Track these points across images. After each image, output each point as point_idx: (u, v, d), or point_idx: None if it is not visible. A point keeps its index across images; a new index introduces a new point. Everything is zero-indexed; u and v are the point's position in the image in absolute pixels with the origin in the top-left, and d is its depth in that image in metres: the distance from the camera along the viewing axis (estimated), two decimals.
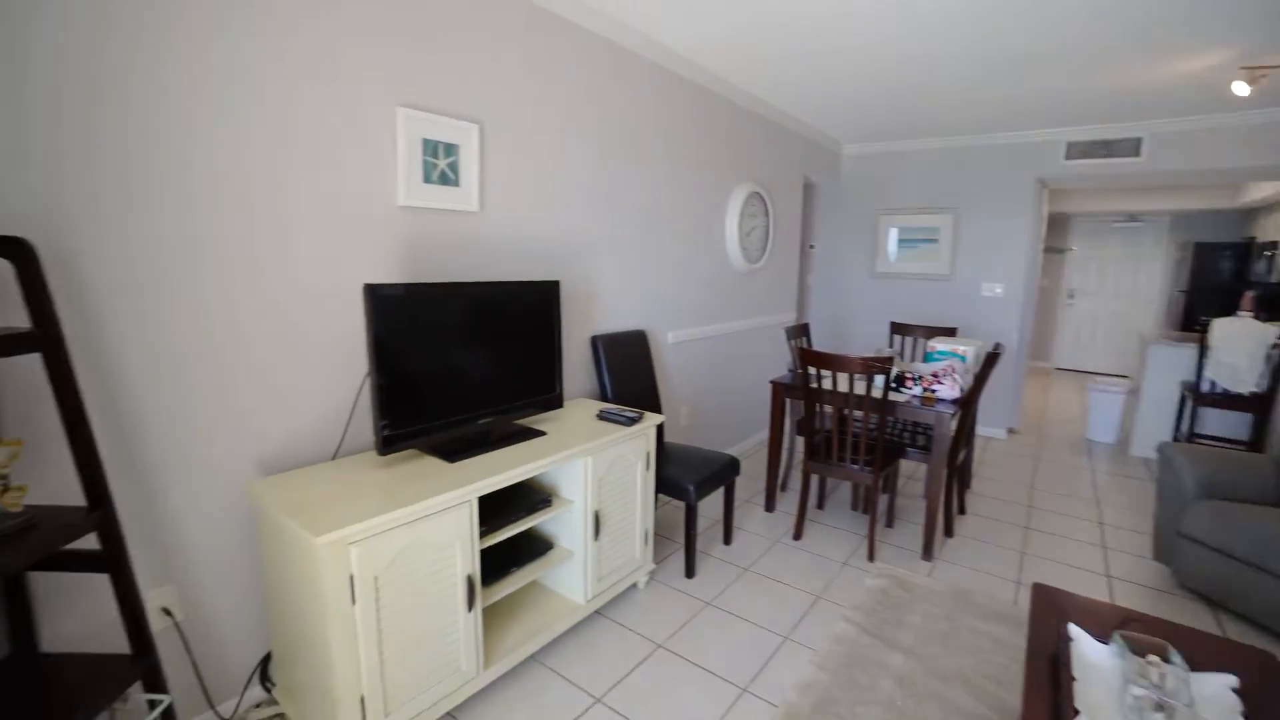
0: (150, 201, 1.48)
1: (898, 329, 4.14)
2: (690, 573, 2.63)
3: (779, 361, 4.69)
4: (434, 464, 1.83)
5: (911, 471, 4.06)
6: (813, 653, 2.16)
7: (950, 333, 3.92)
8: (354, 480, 1.68)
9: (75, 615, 1.45)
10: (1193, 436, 4.22)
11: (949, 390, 2.91)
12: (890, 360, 2.68)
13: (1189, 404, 4.23)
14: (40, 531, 1.16)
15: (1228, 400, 3.96)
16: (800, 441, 4.25)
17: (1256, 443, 3.98)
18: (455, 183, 2.14)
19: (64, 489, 1.40)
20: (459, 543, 1.68)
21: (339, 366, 1.90)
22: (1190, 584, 2.58)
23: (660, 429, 2.81)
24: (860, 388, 2.92)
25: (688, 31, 2.78)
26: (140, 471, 1.53)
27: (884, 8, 2.46)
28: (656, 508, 2.73)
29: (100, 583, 1.46)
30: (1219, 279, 7.02)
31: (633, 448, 2.30)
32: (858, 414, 2.96)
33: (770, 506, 3.35)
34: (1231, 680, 1.38)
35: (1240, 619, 2.46)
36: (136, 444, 1.51)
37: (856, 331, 5.55)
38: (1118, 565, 2.88)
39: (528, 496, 2.06)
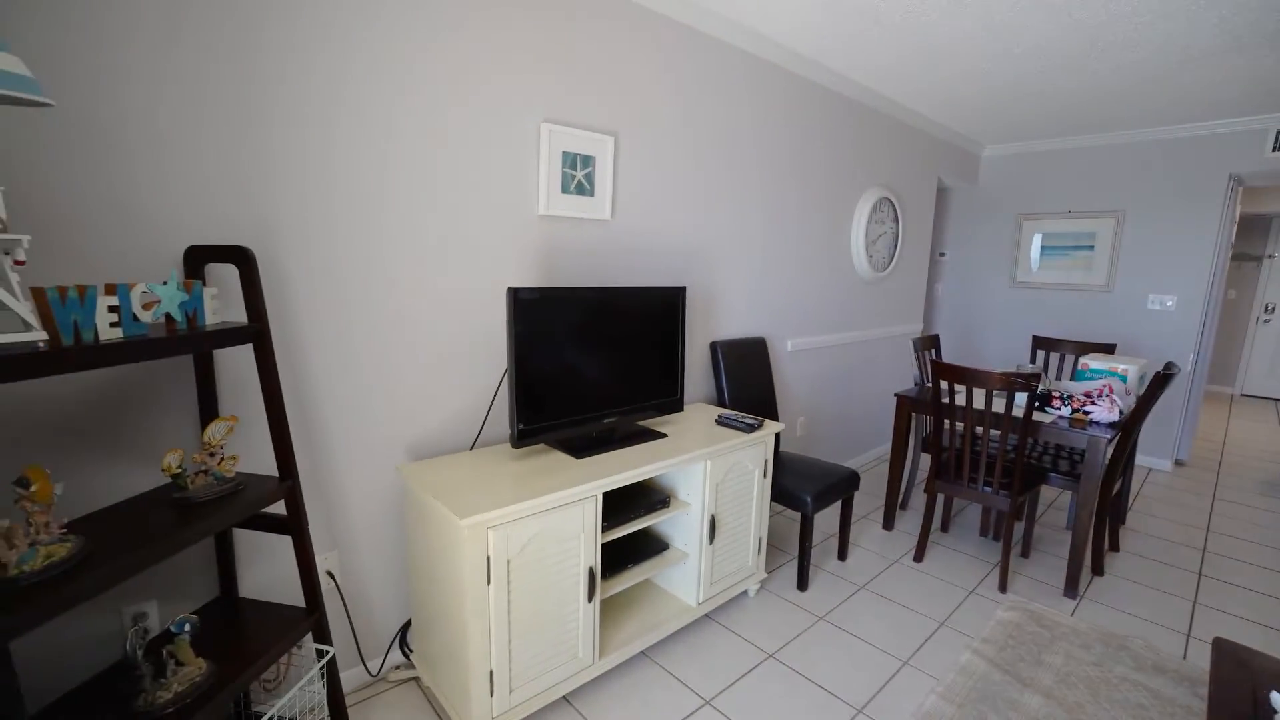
0: (345, 215, 1.69)
1: (1041, 344, 3.78)
2: (803, 585, 2.57)
3: (902, 374, 4.44)
4: (563, 459, 1.93)
5: (1053, 499, 3.69)
6: (935, 681, 2.03)
7: (1108, 350, 3.52)
8: (490, 470, 1.81)
9: (263, 569, 1.70)
10: None
11: (1105, 412, 2.62)
12: (1036, 377, 2.46)
13: None
14: (247, 495, 1.37)
15: None
16: (925, 459, 4.00)
17: None
18: (590, 192, 2.24)
19: (257, 461, 1.64)
20: (583, 535, 1.77)
21: (480, 364, 2.06)
22: None
23: (777, 438, 2.77)
24: (998, 405, 2.70)
25: (813, 30, 2.71)
26: (315, 450, 1.75)
27: None
28: (770, 517, 2.69)
29: (283, 544, 1.71)
30: None
31: (751, 454, 2.29)
32: (994, 433, 2.74)
33: (889, 525, 3.18)
34: None
35: None
36: (316, 426, 1.74)
37: (990, 345, 5.13)
38: None
39: (647, 496, 2.12)
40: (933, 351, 3.57)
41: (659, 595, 2.30)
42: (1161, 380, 2.67)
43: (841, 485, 2.62)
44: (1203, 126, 4.01)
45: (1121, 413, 2.64)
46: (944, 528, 3.22)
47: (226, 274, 1.51)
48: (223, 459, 1.37)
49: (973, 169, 4.91)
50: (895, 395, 3.11)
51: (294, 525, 1.50)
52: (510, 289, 1.77)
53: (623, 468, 1.87)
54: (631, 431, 2.18)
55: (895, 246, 4.02)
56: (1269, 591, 2.72)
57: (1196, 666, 2.15)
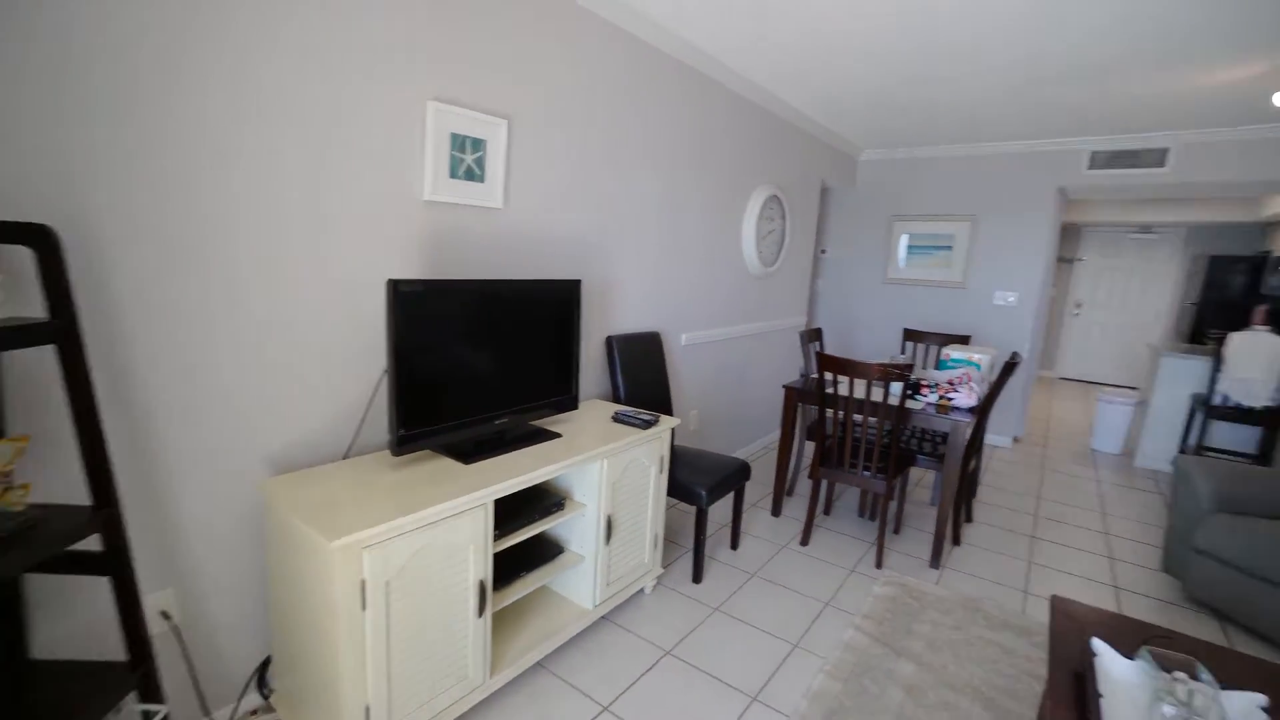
0: (181, 189, 1.43)
1: (911, 336, 4.10)
2: (698, 578, 2.60)
3: (789, 366, 4.64)
4: (449, 465, 1.78)
5: (919, 478, 4.03)
6: (822, 660, 2.13)
7: (964, 340, 3.88)
8: (367, 481, 1.64)
9: (69, 617, 1.41)
10: (1201, 449, 4.19)
11: (965, 399, 2.87)
12: (909, 367, 2.64)
13: (1199, 416, 4.20)
14: (42, 532, 1.12)
15: (1239, 414, 3.94)
16: (809, 447, 4.22)
17: (1264, 456, 3.96)
18: (481, 179, 2.09)
19: (71, 487, 1.35)
20: (473, 547, 1.64)
21: (357, 362, 1.85)
22: (1199, 597, 2.56)
23: (672, 433, 2.77)
24: (876, 394, 2.88)
25: (712, 27, 2.72)
26: (146, 468, 1.48)
27: (908, 7, 2.40)
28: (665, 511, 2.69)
29: (99, 584, 1.42)
30: (1231, 293, 6.97)
31: (647, 451, 2.26)
32: (871, 420, 2.93)
33: (777, 511, 3.31)
34: (1260, 699, 1.35)
35: (1250, 633, 2.44)
36: (144, 439, 1.47)
37: (865, 337, 5.51)
38: (1125, 576, 2.85)
39: (542, 499, 2.02)
40: (817, 344, 3.75)
41: (554, 601, 2.22)
42: (1009, 368, 2.97)
43: (734, 477, 2.67)
44: (1039, 144, 4.53)
45: (979, 398, 2.91)
46: (827, 510, 3.41)
47: (20, 258, 1.22)
48: (8, 489, 1.11)
49: (851, 171, 5.22)
50: (784, 387, 3.23)
51: (113, 562, 1.26)
52: (390, 281, 1.60)
53: (516, 472, 1.76)
54: (525, 433, 2.07)
55: (782, 242, 4.18)
56: (1085, 548, 3.14)
57: (1033, 619, 2.43)
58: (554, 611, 2.15)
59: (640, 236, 2.93)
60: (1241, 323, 6.69)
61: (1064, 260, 8.10)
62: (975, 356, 3.31)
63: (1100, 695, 1.32)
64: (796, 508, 3.42)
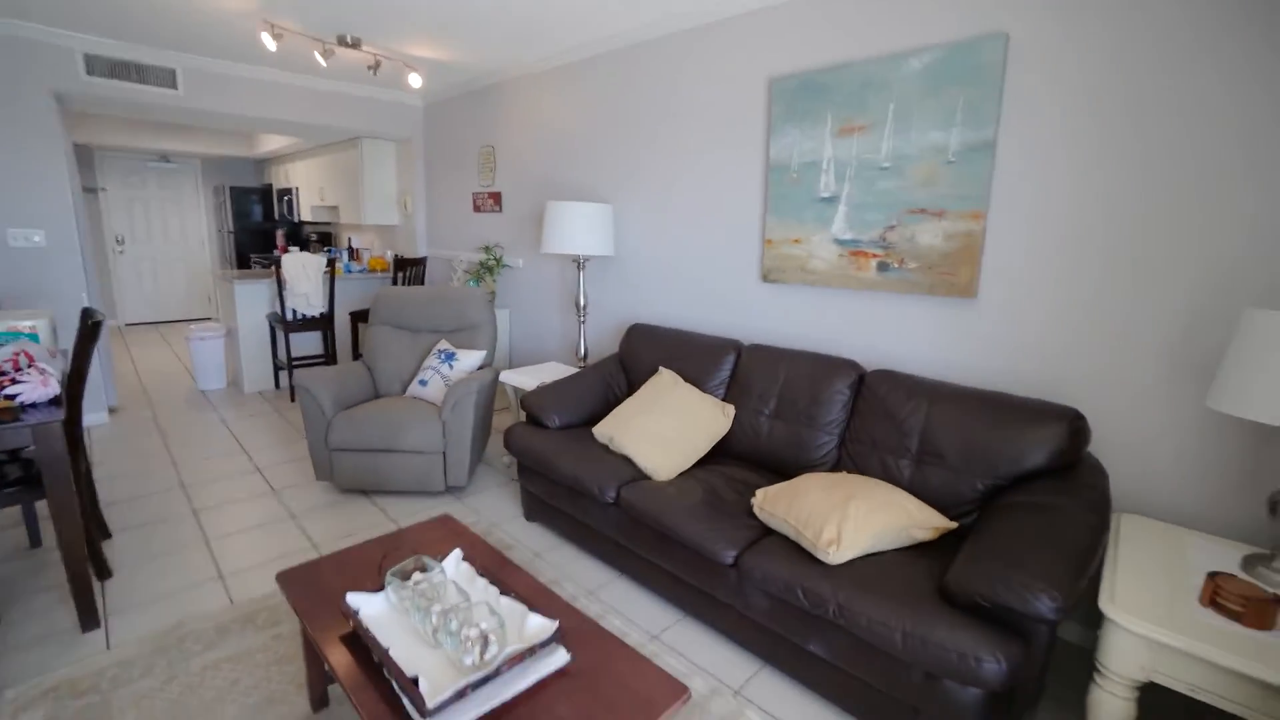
0: None
1: None
2: None
3: None
4: None
5: None
6: None
7: None
8: None
9: None
10: (292, 362, 4.68)
11: (39, 387, 2.01)
12: None
13: (280, 333, 4.61)
14: None
15: (306, 324, 4.55)
16: None
17: (330, 354, 4.80)
18: None
19: None
20: None
21: None
22: (348, 485, 2.93)
23: None
24: None
25: None
26: None
27: None
28: None
29: None
30: (255, 221, 7.80)
31: None
32: None
33: None
34: (457, 554, 1.63)
35: (388, 494, 3.01)
36: None
37: None
38: (294, 501, 2.92)
39: None
40: None
41: None
42: (93, 330, 2.25)
43: None
44: (18, 25, 3.34)
45: (60, 381, 2.09)
46: None
47: None
48: None
49: None
50: None
51: None
52: None
53: None
54: None
55: None
56: (247, 493, 3.00)
57: (250, 601, 2.15)
58: None
59: None
60: (270, 247, 7.71)
61: (88, 191, 6.88)
62: (26, 325, 2.35)
63: (387, 648, 1.24)
64: None
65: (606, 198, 3.52)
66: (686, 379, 2.65)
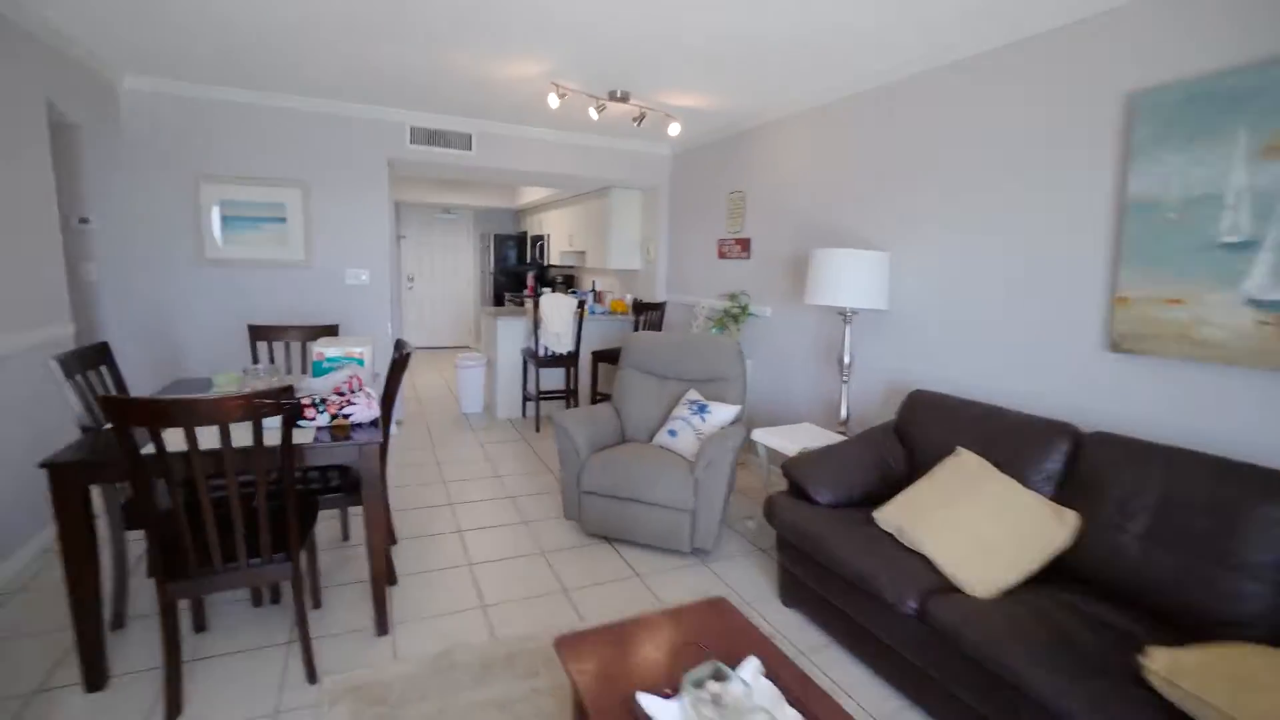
0: None
1: (260, 335, 3.09)
2: None
3: (46, 412, 2.80)
4: None
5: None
6: None
7: (332, 331, 3.19)
8: None
9: None
10: (540, 394, 5.00)
11: (365, 409, 2.24)
12: (288, 389, 1.78)
13: (531, 367, 4.96)
14: None
15: (554, 360, 4.83)
16: (134, 540, 2.68)
17: (572, 392, 5.03)
18: None
19: None
20: None
21: None
22: (594, 529, 2.89)
23: None
24: (238, 434, 1.87)
25: None
26: None
27: None
28: None
29: None
30: (510, 264, 8.84)
31: None
32: (241, 476, 1.92)
33: (96, 682, 1.87)
34: (755, 663, 1.37)
35: (624, 543, 2.90)
36: None
37: (193, 339, 4.03)
38: (543, 537, 2.97)
39: None
40: (103, 370, 2.29)
41: None
42: (402, 361, 2.51)
43: None
44: (367, 110, 4.17)
45: (379, 403, 2.33)
46: (201, 627, 2.18)
47: None
48: None
49: (108, 102, 3.50)
50: (43, 465, 1.74)
51: None
52: None
53: None
54: None
55: None
56: (501, 520, 3.12)
57: (509, 640, 2.14)
58: None
59: None
60: (520, 286, 8.61)
61: (397, 238, 8.45)
62: (356, 351, 2.70)
63: None
64: (136, 649, 2.05)
65: (877, 244, 3.16)
66: (995, 466, 2.13)
